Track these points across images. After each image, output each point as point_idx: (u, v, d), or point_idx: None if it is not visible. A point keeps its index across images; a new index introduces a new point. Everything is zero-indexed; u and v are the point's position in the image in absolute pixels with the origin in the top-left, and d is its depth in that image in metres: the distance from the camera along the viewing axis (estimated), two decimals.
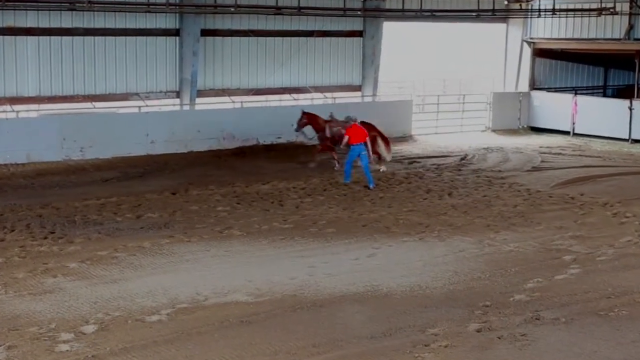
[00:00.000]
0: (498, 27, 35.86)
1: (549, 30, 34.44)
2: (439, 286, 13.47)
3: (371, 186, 21.78)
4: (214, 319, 11.72)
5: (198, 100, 28.23)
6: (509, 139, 32.10)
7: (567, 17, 32.55)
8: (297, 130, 24.90)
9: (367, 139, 22.31)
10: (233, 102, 29.07)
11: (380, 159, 24.29)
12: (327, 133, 24.45)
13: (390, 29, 33.41)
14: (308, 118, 24.82)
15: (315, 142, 25.22)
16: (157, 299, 12.55)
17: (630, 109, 31.15)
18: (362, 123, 22.97)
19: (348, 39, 31.49)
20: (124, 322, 11.58)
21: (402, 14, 30.95)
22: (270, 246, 15.91)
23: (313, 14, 28.87)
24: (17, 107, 25.30)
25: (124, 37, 26.68)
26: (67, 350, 10.56)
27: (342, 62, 31.39)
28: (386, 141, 24.42)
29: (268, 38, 29.56)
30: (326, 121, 24.73)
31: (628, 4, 31.72)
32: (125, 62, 26.89)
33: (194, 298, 12.64)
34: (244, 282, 13.48)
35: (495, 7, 31.20)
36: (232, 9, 26.31)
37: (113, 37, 26.48)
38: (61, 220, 17.61)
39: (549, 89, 35.39)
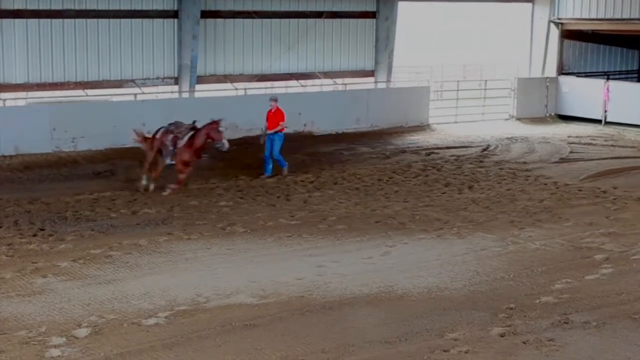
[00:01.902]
0: (523, 7, 35.76)
1: (578, 9, 34.32)
2: (458, 287, 13.46)
3: (267, 174, 22.10)
4: (215, 323, 11.74)
5: (198, 87, 28.26)
6: (534, 128, 32.04)
7: None
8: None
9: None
10: (236, 89, 29.09)
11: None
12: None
13: (406, 10, 33.37)
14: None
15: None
16: (154, 301, 12.58)
17: None
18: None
19: (360, 20, 31.46)
20: (119, 325, 11.61)
21: None
22: (276, 244, 15.93)
23: None
24: (3, 95, 25.39)
25: (118, 20, 26.72)
26: (59, 356, 10.60)
27: (353, 45, 31.37)
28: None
29: (273, 19, 29.55)
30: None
31: None
32: (119, 46, 26.92)
33: (194, 300, 12.67)
34: (247, 282, 13.50)
35: None
36: None
37: (107, 20, 26.51)
38: (51, 217, 17.67)
39: (578, 74, 35.30)
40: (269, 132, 22.23)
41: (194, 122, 20.85)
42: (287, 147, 24.32)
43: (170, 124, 20.85)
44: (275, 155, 22.29)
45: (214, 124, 20.49)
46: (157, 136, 20.74)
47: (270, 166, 22.33)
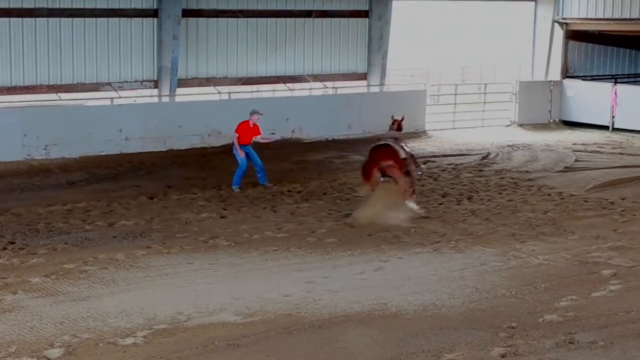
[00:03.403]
0: (525, 6, 35.89)
1: (584, 8, 34.44)
2: (456, 305, 13.47)
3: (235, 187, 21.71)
4: (197, 342, 11.72)
5: (179, 90, 28.26)
6: (537, 134, 32.11)
7: None
8: None
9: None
10: (219, 92, 29.09)
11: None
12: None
13: (401, 9, 33.45)
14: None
15: None
16: (132, 319, 12.56)
17: None
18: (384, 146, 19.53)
19: (352, 19, 31.52)
20: (94, 345, 11.58)
21: None
22: (261, 258, 15.92)
23: None
24: None
25: (94, 19, 26.72)
26: None
27: (344, 46, 31.42)
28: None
29: (259, 19, 29.59)
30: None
31: None
32: (95, 47, 26.91)
33: (174, 318, 12.65)
34: (231, 299, 13.49)
35: None
36: None
37: (82, 19, 26.50)
38: (22, 229, 17.63)
39: (584, 77, 35.39)
40: (242, 145, 21.86)
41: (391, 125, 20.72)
42: (274, 154, 24.36)
43: (387, 137, 20.01)
44: (260, 164, 22.17)
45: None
46: (404, 155, 19.36)
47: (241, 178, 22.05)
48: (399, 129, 20.71)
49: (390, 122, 20.83)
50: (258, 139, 22.14)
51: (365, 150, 27.58)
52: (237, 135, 21.80)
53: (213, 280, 14.59)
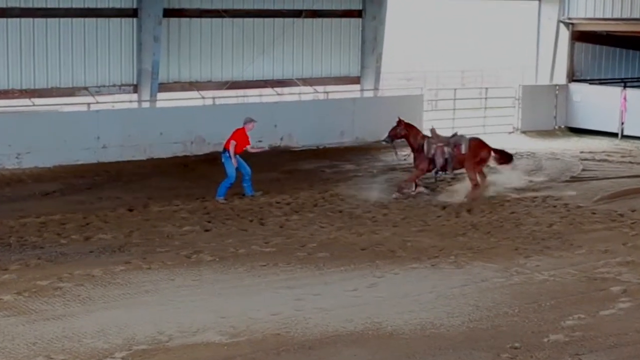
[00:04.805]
0: (529, 6, 35.98)
1: (591, 8, 34.54)
2: (456, 324, 13.49)
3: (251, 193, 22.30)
4: None
5: (160, 95, 28.25)
6: (542, 142, 32.18)
7: None
8: (386, 141, 23.97)
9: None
10: (203, 97, 29.10)
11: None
12: (426, 152, 23.15)
13: (396, 8, 33.49)
14: (406, 129, 23.56)
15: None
16: (109, 339, 12.55)
17: None
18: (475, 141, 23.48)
19: (344, 19, 31.57)
20: None
21: None
22: (248, 274, 15.92)
23: None
24: None
25: (69, 19, 26.70)
26: None
27: (336, 48, 31.45)
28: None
29: (246, 19, 29.61)
30: (424, 136, 23.53)
31: None
32: (71, 49, 26.89)
33: (154, 338, 12.64)
34: (216, 318, 13.49)
35: None
36: None
37: (56, 19, 26.48)
38: None
39: (591, 81, 35.47)
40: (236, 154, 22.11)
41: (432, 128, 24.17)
42: (262, 163, 24.38)
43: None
44: (249, 171, 22.27)
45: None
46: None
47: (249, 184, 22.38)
48: (409, 126, 23.69)
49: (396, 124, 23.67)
50: (248, 148, 22.26)
51: (358, 158, 27.83)
52: (235, 143, 21.89)
53: (196, 297, 14.59)
